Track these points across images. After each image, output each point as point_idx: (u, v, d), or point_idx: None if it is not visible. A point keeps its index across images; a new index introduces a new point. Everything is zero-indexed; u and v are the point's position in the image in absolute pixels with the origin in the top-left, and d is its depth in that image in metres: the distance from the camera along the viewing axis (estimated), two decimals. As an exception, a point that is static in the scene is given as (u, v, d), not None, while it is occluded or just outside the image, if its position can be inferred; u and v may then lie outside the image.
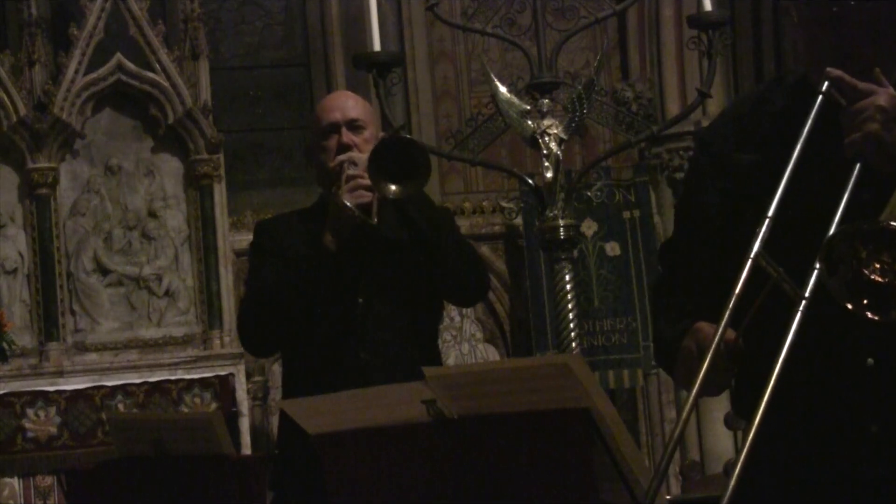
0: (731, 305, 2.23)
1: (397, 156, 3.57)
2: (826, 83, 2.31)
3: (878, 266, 2.08)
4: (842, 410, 2.35)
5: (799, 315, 2.16)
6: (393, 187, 3.59)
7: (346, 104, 3.89)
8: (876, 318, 2.09)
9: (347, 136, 3.81)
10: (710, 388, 2.28)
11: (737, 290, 2.22)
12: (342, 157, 3.76)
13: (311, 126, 4.04)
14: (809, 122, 2.30)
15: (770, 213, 2.24)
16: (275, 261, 3.81)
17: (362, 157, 3.72)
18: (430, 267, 3.72)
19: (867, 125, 2.25)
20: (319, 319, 3.72)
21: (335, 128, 3.83)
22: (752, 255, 2.23)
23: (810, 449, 2.38)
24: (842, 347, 2.35)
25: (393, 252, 3.76)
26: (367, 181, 3.63)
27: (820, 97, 2.30)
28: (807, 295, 2.16)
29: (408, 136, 3.73)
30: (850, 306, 2.10)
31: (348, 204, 3.65)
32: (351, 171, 3.70)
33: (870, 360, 2.34)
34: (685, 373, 2.37)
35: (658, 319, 2.59)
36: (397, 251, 3.76)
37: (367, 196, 3.67)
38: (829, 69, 2.32)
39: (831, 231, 2.16)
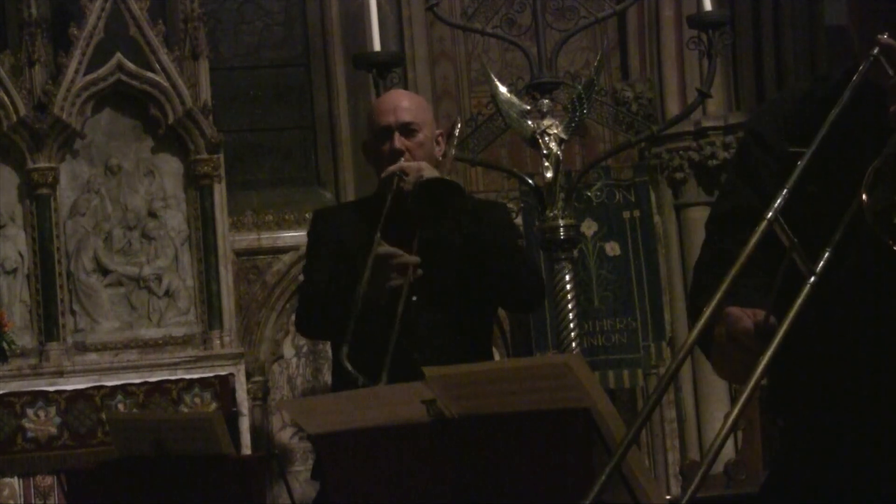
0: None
1: (434, 194, 3.56)
2: (876, 49, 2.30)
3: None
4: (867, 406, 2.35)
5: (808, 288, 2.11)
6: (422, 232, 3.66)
7: (400, 106, 3.82)
8: None
9: (400, 141, 3.77)
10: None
11: (746, 253, 2.19)
12: (392, 168, 3.73)
13: (367, 123, 4.00)
14: (854, 82, 2.27)
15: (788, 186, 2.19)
16: (330, 260, 3.83)
17: (413, 165, 3.70)
18: (482, 270, 3.71)
19: None
20: (374, 316, 3.69)
21: (388, 132, 3.79)
22: (767, 217, 2.18)
23: (835, 443, 2.37)
24: (868, 343, 2.33)
25: (446, 254, 3.73)
26: (403, 259, 3.62)
27: (869, 59, 2.27)
28: (817, 270, 2.12)
29: (446, 178, 3.70)
30: (877, 231, 2.07)
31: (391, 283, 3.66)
32: (380, 251, 3.66)
33: None
34: (720, 359, 2.33)
35: (697, 297, 2.56)
36: (450, 253, 3.73)
37: (398, 280, 3.65)
38: (879, 36, 2.29)
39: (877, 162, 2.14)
